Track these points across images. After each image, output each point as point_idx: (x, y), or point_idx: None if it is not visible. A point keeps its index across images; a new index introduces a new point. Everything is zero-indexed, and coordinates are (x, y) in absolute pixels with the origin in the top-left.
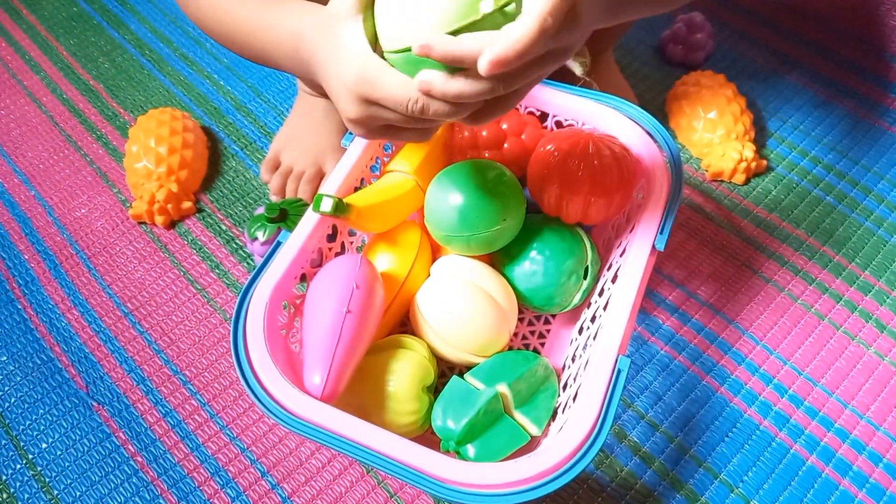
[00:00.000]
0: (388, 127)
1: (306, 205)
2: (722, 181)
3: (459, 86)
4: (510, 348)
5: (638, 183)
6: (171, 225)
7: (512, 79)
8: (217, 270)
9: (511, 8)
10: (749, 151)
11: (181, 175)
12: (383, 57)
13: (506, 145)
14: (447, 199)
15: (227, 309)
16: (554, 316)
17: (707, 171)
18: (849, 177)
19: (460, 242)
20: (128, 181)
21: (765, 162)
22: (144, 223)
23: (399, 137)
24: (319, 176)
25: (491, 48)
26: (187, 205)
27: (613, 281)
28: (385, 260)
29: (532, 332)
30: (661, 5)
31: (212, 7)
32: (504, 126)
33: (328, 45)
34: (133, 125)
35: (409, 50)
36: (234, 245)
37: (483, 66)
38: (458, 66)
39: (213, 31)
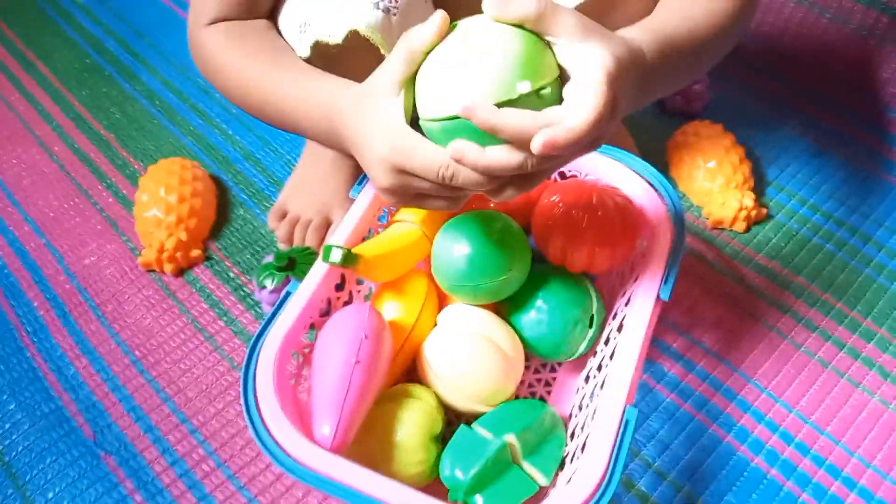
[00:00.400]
0: (419, 195)
1: (315, 253)
2: (723, 229)
3: (490, 157)
4: (516, 397)
5: (641, 233)
6: (180, 273)
7: (547, 160)
8: (225, 318)
9: (546, 91)
10: (749, 200)
11: (190, 224)
12: (418, 128)
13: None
14: (454, 249)
15: (235, 357)
16: (560, 364)
17: (708, 219)
18: (848, 224)
19: (467, 292)
20: (137, 229)
21: (765, 210)
22: (153, 271)
23: (429, 206)
24: (326, 225)
25: (547, 131)
26: (196, 253)
27: (619, 330)
28: (392, 309)
29: (538, 380)
30: (680, 84)
31: (238, 77)
32: None
33: (365, 119)
34: (143, 174)
35: (447, 119)
36: (241, 293)
37: (536, 146)
38: (492, 140)
39: (238, 98)
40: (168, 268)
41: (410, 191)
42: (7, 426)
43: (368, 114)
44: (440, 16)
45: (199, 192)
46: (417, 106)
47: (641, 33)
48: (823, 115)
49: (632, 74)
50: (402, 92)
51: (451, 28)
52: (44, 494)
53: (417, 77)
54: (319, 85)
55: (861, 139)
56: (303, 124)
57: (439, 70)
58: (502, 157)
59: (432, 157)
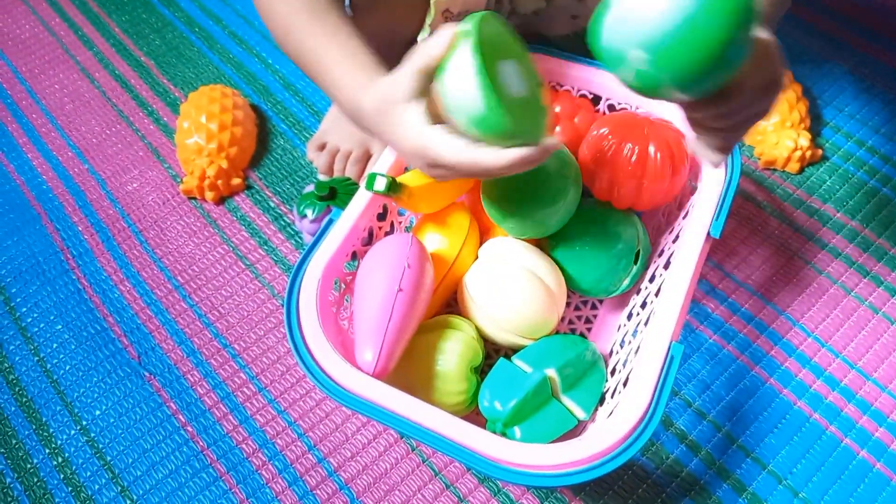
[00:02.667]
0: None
1: (355, 184)
2: (774, 170)
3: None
4: (557, 332)
5: (692, 169)
6: (221, 201)
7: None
8: (265, 247)
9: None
10: (804, 140)
11: (231, 152)
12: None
13: (558, 129)
14: (507, 177)
15: (276, 285)
16: (601, 301)
17: (760, 158)
18: None
19: (516, 222)
20: (178, 157)
21: (820, 151)
22: (194, 198)
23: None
24: (367, 157)
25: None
26: (237, 181)
27: (666, 267)
28: (434, 241)
29: (579, 317)
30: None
31: (283, 22)
32: (557, 109)
33: (391, 126)
34: (184, 101)
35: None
36: (281, 222)
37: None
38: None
39: (279, 40)
40: (209, 195)
41: (445, 172)
42: (54, 345)
43: (393, 122)
44: (449, 34)
45: (240, 121)
46: (443, 105)
47: None
48: (886, 55)
49: None
50: (421, 99)
51: (464, 34)
52: (90, 412)
53: (436, 83)
54: (348, 73)
55: None
56: (334, 97)
57: (455, 82)
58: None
59: (455, 154)
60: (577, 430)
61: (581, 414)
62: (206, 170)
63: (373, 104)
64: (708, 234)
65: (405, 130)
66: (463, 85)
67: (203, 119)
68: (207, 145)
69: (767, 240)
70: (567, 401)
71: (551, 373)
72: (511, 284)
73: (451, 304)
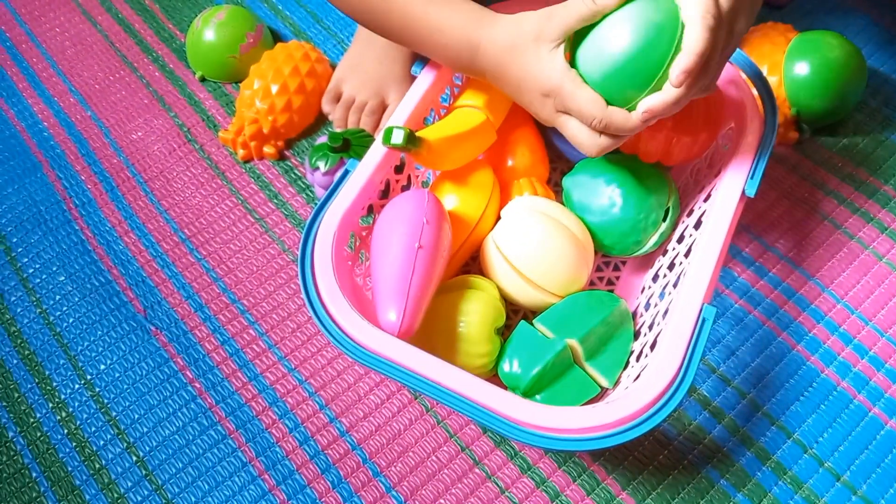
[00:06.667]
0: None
1: (369, 135)
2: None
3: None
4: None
5: (726, 122)
6: (248, 160)
7: (688, 89)
8: (275, 200)
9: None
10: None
11: (280, 119)
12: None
13: None
14: None
15: (286, 240)
16: (624, 262)
17: None
18: None
19: None
20: (236, 100)
21: (796, 135)
22: (202, 149)
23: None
24: (382, 107)
25: (676, 63)
26: (269, 150)
27: (696, 227)
28: (455, 200)
29: (601, 278)
30: None
31: None
32: None
33: (526, 62)
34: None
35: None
36: (292, 175)
37: (674, 80)
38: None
39: (357, 12)
40: (240, 152)
41: (562, 117)
42: (57, 297)
43: (532, 59)
44: None
45: (306, 90)
46: (580, 54)
47: None
48: None
49: None
50: (564, 43)
51: None
52: (95, 366)
53: (584, 43)
54: (460, 15)
55: None
56: (437, 52)
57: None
58: (665, 100)
59: (590, 108)
60: (598, 396)
61: (604, 382)
62: (246, 126)
63: (505, 39)
64: (742, 192)
65: (548, 68)
66: (626, 37)
67: (270, 75)
68: (260, 103)
69: (797, 203)
70: (590, 369)
71: (572, 342)
72: (543, 236)
73: (468, 268)
